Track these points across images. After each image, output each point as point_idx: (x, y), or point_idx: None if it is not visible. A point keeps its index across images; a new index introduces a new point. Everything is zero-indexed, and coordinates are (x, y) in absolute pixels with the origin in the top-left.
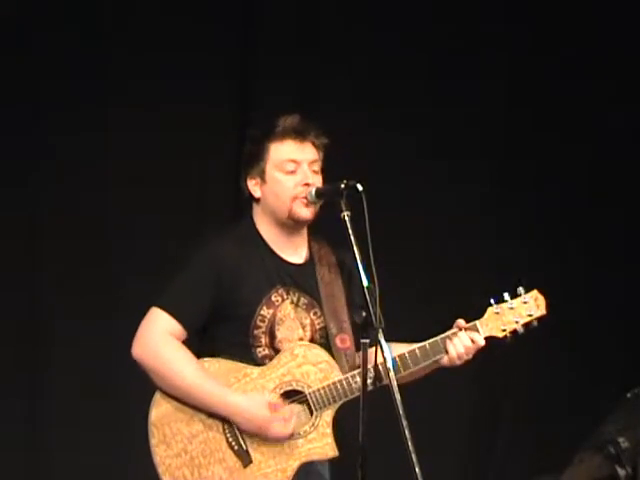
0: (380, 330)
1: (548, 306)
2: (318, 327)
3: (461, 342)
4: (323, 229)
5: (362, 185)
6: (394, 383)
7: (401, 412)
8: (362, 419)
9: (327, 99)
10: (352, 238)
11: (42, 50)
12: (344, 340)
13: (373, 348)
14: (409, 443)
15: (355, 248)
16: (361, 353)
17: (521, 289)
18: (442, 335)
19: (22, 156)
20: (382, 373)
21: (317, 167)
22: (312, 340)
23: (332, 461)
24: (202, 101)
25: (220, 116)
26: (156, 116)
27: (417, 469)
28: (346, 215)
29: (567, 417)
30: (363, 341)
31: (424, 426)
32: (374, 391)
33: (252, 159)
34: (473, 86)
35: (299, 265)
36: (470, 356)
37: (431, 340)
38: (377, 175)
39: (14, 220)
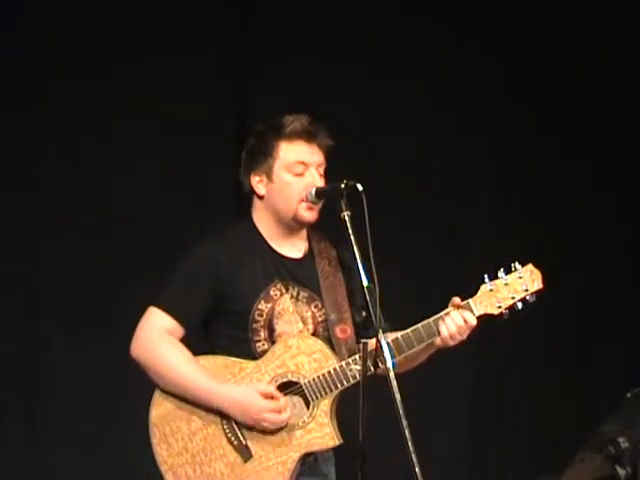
0: (380, 330)
1: (544, 279)
2: (320, 319)
3: (453, 322)
4: (323, 229)
5: (362, 185)
6: (394, 384)
7: (401, 412)
8: (362, 419)
9: (326, 99)
10: (352, 238)
11: (42, 50)
12: (344, 330)
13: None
14: (409, 443)
15: (355, 248)
16: (361, 353)
17: (516, 264)
18: (435, 316)
19: (22, 156)
20: (380, 358)
21: (322, 170)
22: (315, 333)
23: (337, 461)
24: (201, 101)
25: (219, 116)
26: (156, 116)
27: (417, 469)
28: (346, 215)
29: (567, 417)
30: (363, 341)
31: (424, 426)
32: (374, 391)
33: (258, 156)
34: (473, 86)
35: (298, 259)
36: (464, 336)
37: (424, 322)
38: (377, 175)
39: (14, 220)
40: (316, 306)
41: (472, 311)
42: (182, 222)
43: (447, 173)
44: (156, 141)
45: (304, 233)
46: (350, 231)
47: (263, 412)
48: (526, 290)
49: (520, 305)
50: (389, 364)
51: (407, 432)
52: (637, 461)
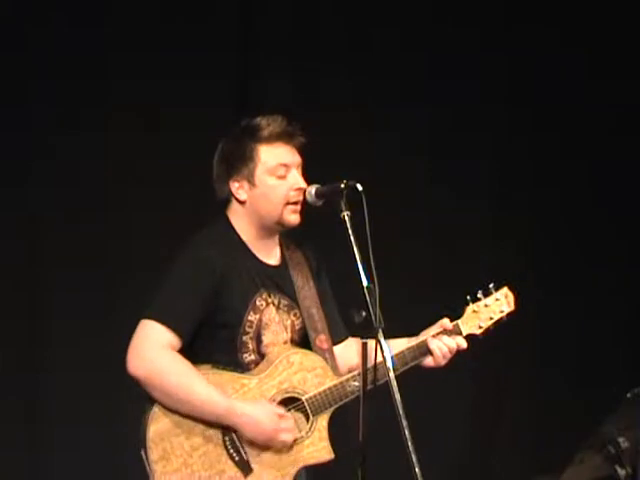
0: (380, 330)
1: (516, 301)
2: (297, 328)
3: (444, 345)
4: (323, 229)
5: (362, 185)
6: (394, 383)
7: (401, 412)
8: (362, 419)
9: (326, 99)
10: (352, 238)
11: (42, 50)
12: (322, 341)
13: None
14: (409, 443)
15: (355, 248)
16: (361, 354)
17: (491, 287)
18: (428, 336)
19: (22, 156)
20: (379, 373)
21: (300, 169)
22: (291, 341)
23: (335, 460)
24: (202, 101)
25: (220, 116)
26: (156, 116)
27: (417, 469)
28: (346, 215)
29: (567, 417)
30: (363, 341)
31: (424, 426)
32: (374, 390)
33: (237, 161)
34: (473, 86)
35: (276, 267)
36: (453, 355)
37: (419, 342)
38: (377, 175)
39: (14, 220)
40: (295, 314)
41: (461, 332)
42: (182, 222)
43: (447, 173)
44: (156, 141)
45: (277, 239)
46: (350, 231)
47: (279, 432)
48: (502, 312)
49: (493, 326)
50: (389, 364)
51: (407, 432)
52: (637, 461)
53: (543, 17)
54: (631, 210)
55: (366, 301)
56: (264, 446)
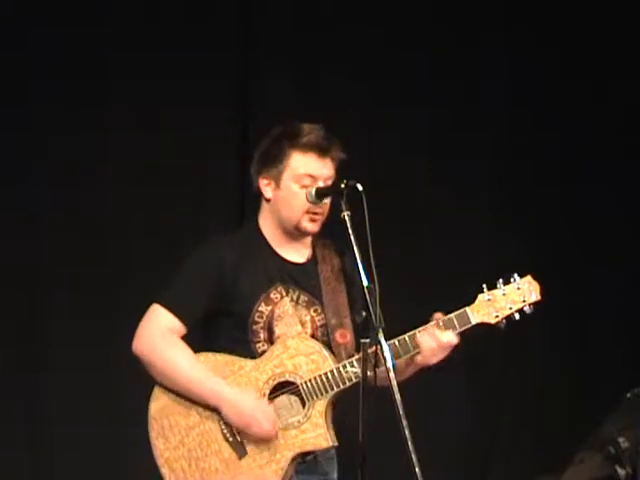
0: (380, 330)
1: (542, 292)
2: (319, 324)
3: (433, 337)
4: (323, 229)
5: (362, 185)
6: (394, 383)
7: (401, 412)
8: (362, 419)
9: (327, 99)
10: (352, 238)
11: (42, 50)
12: (344, 335)
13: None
14: (409, 443)
15: (355, 248)
16: (361, 352)
17: (515, 276)
18: (420, 328)
19: (22, 156)
20: (379, 361)
21: (330, 183)
22: (313, 336)
23: (340, 462)
24: (202, 101)
25: (220, 116)
26: (156, 116)
27: (417, 469)
28: (346, 215)
29: (567, 417)
30: (363, 341)
31: (424, 426)
32: (374, 390)
33: (269, 160)
34: (473, 86)
35: (300, 264)
36: (447, 352)
37: (410, 333)
38: (377, 175)
39: (14, 220)
40: (315, 310)
41: (470, 321)
42: (182, 222)
43: (447, 173)
44: (156, 141)
45: (308, 239)
46: (350, 231)
47: (259, 421)
48: (524, 301)
49: (517, 316)
50: (389, 364)
51: (407, 432)
52: (637, 461)
53: (543, 17)
54: (631, 210)
55: (366, 301)
56: (249, 433)
